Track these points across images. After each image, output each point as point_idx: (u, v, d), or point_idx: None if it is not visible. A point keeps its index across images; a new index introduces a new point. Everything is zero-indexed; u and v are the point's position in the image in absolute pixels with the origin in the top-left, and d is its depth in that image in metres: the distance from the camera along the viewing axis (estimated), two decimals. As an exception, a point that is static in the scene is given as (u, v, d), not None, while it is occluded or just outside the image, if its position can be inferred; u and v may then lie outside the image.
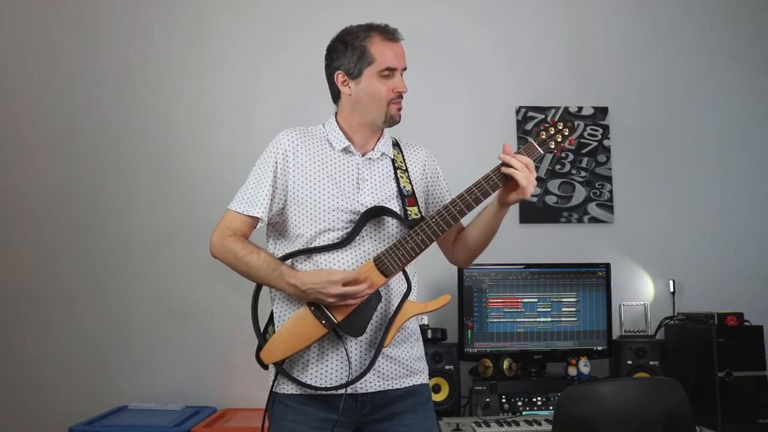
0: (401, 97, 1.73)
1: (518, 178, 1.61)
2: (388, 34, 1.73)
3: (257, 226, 1.72)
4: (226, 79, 3.07)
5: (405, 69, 1.75)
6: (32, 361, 2.90)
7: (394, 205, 1.73)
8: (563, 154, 3.06)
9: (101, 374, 2.89)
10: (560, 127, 1.73)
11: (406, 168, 1.80)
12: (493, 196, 1.70)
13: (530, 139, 1.72)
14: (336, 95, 1.79)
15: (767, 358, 2.50)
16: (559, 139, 1.72)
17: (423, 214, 1.75)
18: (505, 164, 1.63)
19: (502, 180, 1.65)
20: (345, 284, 1.57)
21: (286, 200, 1.71)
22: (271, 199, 1.69)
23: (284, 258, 1.68)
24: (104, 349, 2.91)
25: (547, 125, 1.74)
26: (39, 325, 2.92)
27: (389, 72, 1.70)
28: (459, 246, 1.84)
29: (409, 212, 1.72)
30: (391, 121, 1.74)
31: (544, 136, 1.72)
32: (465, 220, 1.73)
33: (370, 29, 1.73)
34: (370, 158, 1.76)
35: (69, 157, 3.01)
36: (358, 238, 1.67)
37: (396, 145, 1.84)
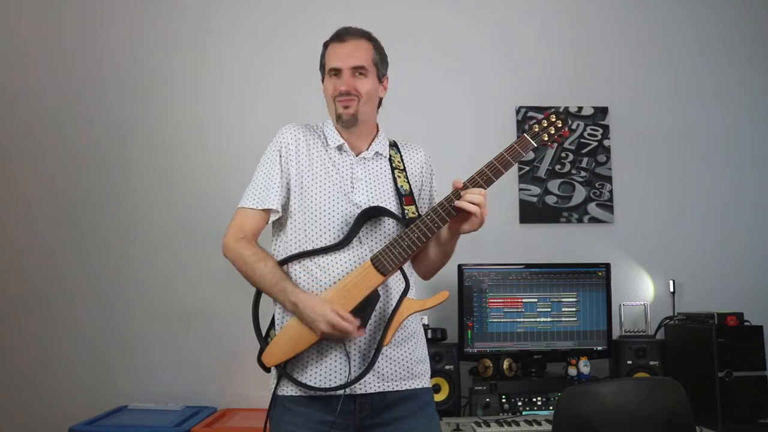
0: (346, 95, 1.71)
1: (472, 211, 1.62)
2: (337, 36, 1.77)
3: (270, 221, 1.73)
4: (226, 79, 3.07)
5: (358, 68, 1.72)
6: (32, 361, 2.90)
7: (392, 205, 1.73)
8: (563, 154, 3.06)
9: (101, 374, 2.89)
10: (553, 119, 1.74)
11: (404, 168, 1.81)
12: None
13: (523, 133, 1.74)
14: None
15: (767, 358, 2.50)
16: (552, 132, 1.74)
17: (420, 213, 1.75)
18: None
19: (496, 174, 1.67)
20: (335, 328, 1.56)
21: (289, 193, 1.73)
22: (281, 190, 1.71)
23: (284, 262, 1.69)
24: (104, 349, 2.91)
25: (540, 118, 1.75)
26: (39, 325, 2.92)
27: (335, 72, 1.74)
28: (420, 259, 1.83)
29: (406, 211, 1.72)
30: (339, 119, 1.74)
31: (536, 129, 1.74)
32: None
33: (331, 36, 1.79)
34: (364, 158, 1.77)
35: (69, 158, 3.01)
36: (356, 239, 1.67)
37: (394, 145, 1.85)
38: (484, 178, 1.66)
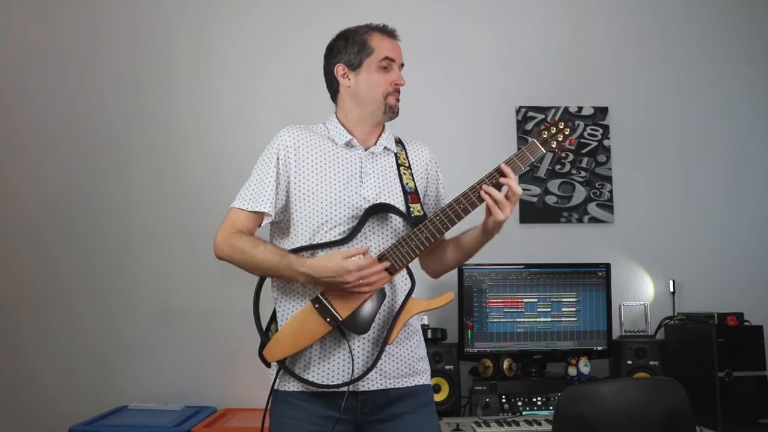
0: (399, 90, 1.77)
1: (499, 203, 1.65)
2: (387, 31, 1.79)
3: (262, 224, 1.72)
4: (227, 78, 3.07)
5: (403, 66, 1.79)
6: (32, 361, 2.90)
7: (398, 202, 1.73)
8: (563, 154, 3.07)
9: (101, 374, 2.89)
10: (561, 127, 1.77)
11: (410, 165, 1.81)
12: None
13: (533, 139, 1.75)
14: (335, 92, 1.81)
15: (767, 358, 2.51)
16: (560, 139, 1.76)
17: (425, 211, 1.76)
18: (502, 174, 1.66)
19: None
20: (360, 268, 1.57)
21: (288, 196, 1.71)
22: (276, 194, 1.69)
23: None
24: (104, 349, 2.91)
25: (549, 124, 1.77)
26: (39, 325, 2.92)
27: (388, 63, 1.74)
28: (434, 257, 1.85)
29: (411, 209, 1.72)
30: (391, 112, 1.76)
31: (545, 136, 1.76)
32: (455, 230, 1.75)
33: (370, 27, 1.78)
34: (372, 152, 1.77)
35: (69, 157, 3.01)
36: (361, 234, 1.67)
37: (399, 142, 1.85)
38: (494, 181, 1.67)
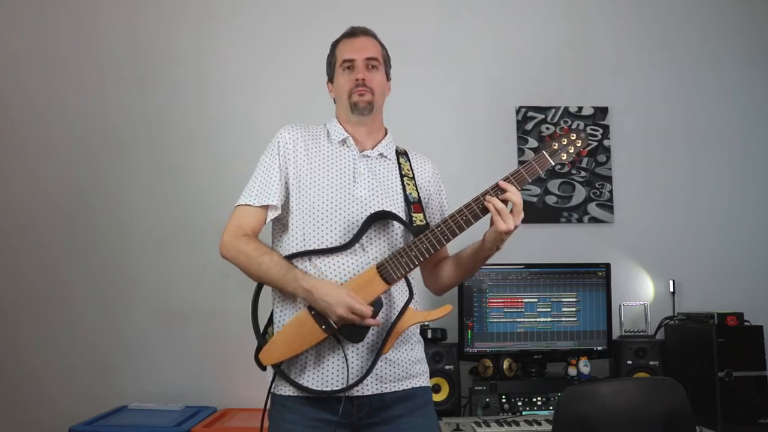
0: (362, 85, 1.74)
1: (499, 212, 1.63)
2: (349, 32, 1.82)
3: (268, 219, 1.72)
4: (227, 78, 3.07)
5: (371, 59, 1.77)
6: (32, 361, 2.90)
7: (399, 211, 1.72)
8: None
9: (101, 374, 2.89)
10: (573, 138, 1.72)
11: (413, 176, 1.81)
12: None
13: (542, 151, 1.70)
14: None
15: (767, 358, 2.50)
16: (571, 150, 1.71)
17: (428, 222, 1.75)
18: (502, 191, 1.64)
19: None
20: (354, 312, 1.56)
21: (288, 191, 1.72)
22: (280, 187, 1.71)
23: (286, 259, 1.66)
24: (104, 349, 2.91)
25: (560, 134, 1.73)
26: (39, 325, 2.92)
27: (349, 64, 1.77)
28: (433, 274, 1.85)
29: (414, 219, 1.71)
30: (355, 108, 1.75)
31: (555, 147, 1.71)
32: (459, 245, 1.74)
33: (340, 36, 1.84)
34: (367, 155, 1.77)
35: (69, 157, 3.01)
36: (359, 244, 1.66)
37: (404, 153, 1.85)
38: (498, 194, 1.64)
